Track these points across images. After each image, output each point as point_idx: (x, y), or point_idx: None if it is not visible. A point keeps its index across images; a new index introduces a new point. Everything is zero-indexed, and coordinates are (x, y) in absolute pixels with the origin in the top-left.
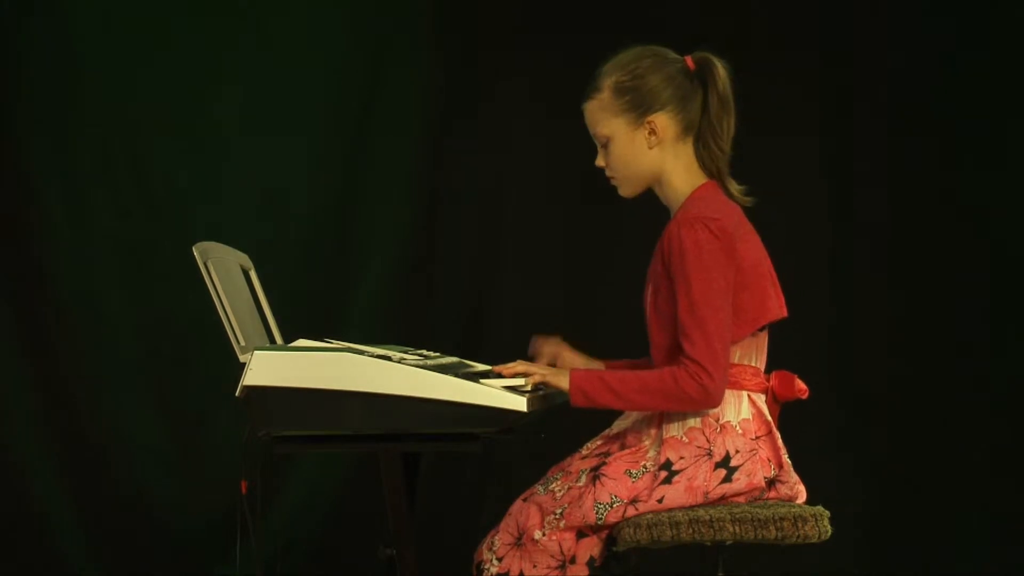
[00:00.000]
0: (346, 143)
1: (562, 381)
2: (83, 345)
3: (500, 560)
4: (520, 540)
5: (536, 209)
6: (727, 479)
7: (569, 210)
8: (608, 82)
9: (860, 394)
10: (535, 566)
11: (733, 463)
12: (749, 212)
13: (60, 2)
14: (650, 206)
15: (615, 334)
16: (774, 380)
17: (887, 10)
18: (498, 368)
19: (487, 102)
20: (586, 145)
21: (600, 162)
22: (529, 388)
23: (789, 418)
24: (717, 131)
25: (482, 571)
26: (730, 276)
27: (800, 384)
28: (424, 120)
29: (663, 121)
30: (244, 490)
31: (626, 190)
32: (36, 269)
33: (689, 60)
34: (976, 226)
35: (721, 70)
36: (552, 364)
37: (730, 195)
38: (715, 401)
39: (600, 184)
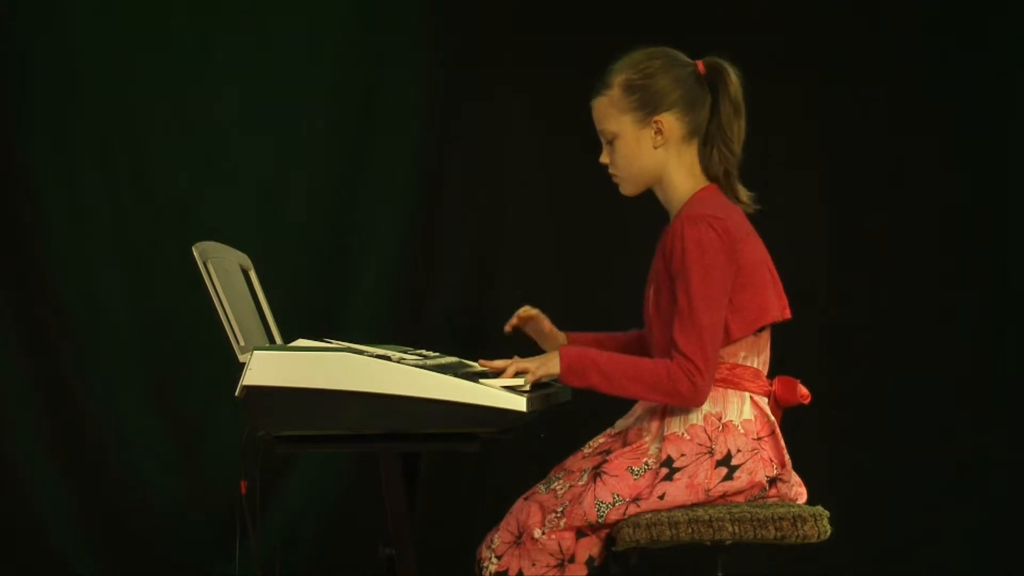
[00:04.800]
0: (346, 143)
1: (553, 367)
2: (83, 345)
3: (499, 558)
4: (520, 539)
5: (536, 210)
6: (728, 477)
7: (569, 211)
8: (618, 79)
9: (860, 395)
10: (534, 564)
11: (734, 462)
12: (749, 212)
13: (60, 1)
14: (650, 207)
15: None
16: (776, 385)
17: (887, 10)
18: (489, 364)
19: (487, 102)
20: (586, 146)
21: (605, 159)
22: (528, 387)
23: (788, 418)
24: (728, 135)
25: (482, 569)
26: (730, 277)
27: (802, 389)
28: (424, 121)
29: (670, 122)
30: (244, 490)
31: (628, 188)
32: (36, 269)
33: (700, 64)
34: (976, 227)
35: (733, 76)
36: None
37: (734, 199)
38: (701, 400)
39: (600, 185)
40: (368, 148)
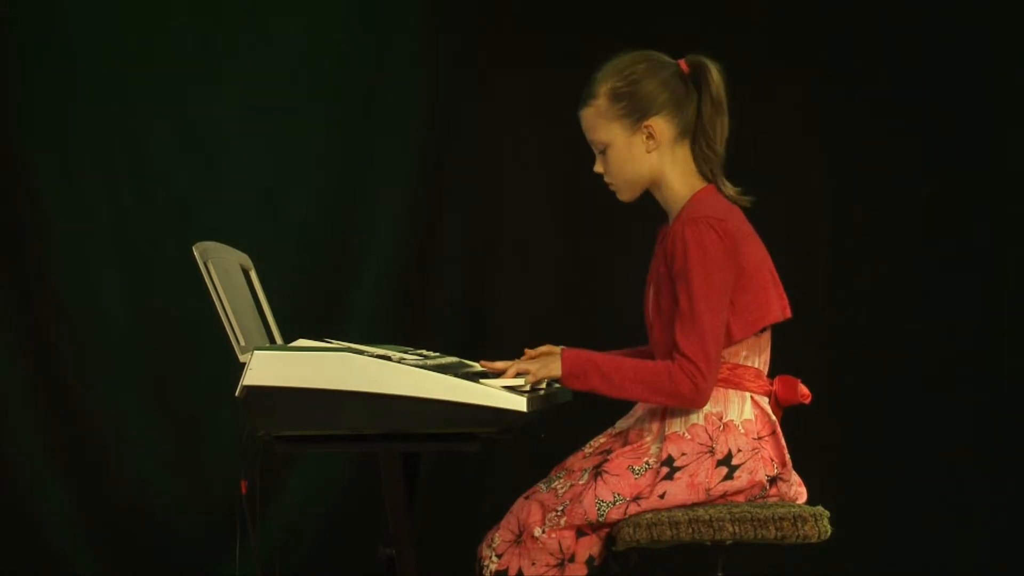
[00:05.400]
0: (346, 143)
1: (554, 369)
2: (83, 345)
3: (499, 557)
4: (520, 537)
5: (536, 209)
6: (728, 476)
7: (569, 210)
8: (604, 88)
9: (859, 394)
10: (534, 563)
11: (735, 461)
12: (749, 212)
13: (60, 1)
14: (650, 208)
15: (614, 336)
16: (777, 384)
17: (887, 10)
18: (490, 365)
19: (487, 102)
20: (586, 145)
21: (598, 168)
22: (528, 388)
23: (787, 418)
24: (709, 133)
25: (482, 568)
26: (730, 278)
27: (803, 389)
28: (424, 120)
29: (660, 125)
30: (244, 490)
31: (625, 195)
32: (36, 269)
33: (683, 63)
34: (976, 227)
35: (714, 73)
36: None
37: (727, 197)
38: (704, 401)
39: (599, 185)
40: (368, 148)
